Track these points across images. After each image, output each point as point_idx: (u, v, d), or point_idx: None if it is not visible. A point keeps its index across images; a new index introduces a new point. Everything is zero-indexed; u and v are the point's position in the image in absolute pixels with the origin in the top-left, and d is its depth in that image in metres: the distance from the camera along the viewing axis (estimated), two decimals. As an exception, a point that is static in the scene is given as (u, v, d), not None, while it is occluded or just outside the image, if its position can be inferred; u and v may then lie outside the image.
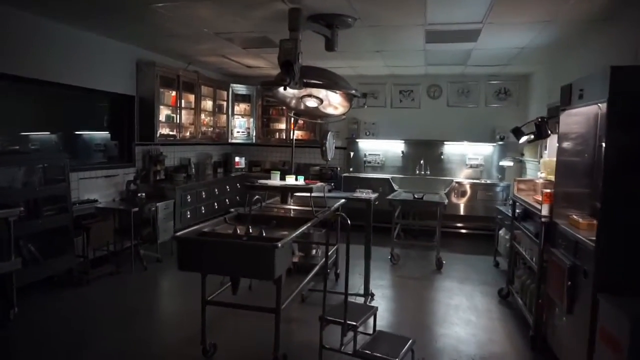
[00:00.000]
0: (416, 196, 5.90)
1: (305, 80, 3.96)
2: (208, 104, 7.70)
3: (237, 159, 8.72)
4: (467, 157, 7.98)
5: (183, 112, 6.89)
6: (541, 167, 4.53)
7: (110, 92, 5.86)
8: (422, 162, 8.05)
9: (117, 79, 5.92)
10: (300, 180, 4.39)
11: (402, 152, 8.24)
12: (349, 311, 3.02)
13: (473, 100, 8.00)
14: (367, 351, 3.00)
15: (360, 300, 4.47)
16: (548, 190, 3.46)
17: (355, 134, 8.40)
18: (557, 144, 3.39)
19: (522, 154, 7.59)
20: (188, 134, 7.10)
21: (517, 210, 4.59)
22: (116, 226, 5.47)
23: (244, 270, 2.90)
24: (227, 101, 8.35)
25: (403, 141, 8.19)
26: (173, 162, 7.20)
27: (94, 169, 5.66)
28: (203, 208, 7.08)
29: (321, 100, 4.55)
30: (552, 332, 3.40)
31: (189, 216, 6.68)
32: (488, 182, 7.60)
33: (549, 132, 3.56)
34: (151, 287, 5.05)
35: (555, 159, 4.36)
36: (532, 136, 3.67)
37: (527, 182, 4.60)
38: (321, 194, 4.19)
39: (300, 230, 3.27)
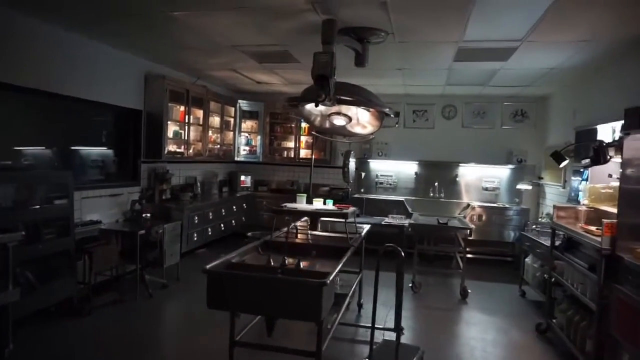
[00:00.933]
0: (441, 221, 5.58)
1: (338, 97, 3.66)
2: (215, 120, 7.38)
3: (242, 177, 8.36)
4: (483, 179, 7.72)
5: (191, 128, 6.54)
6: (585, 193, 4.25)
7: (115, 106, 5.50)
8: (436, 184, 7.77)
9: (124, 92, 5.58)
10: (330, 205, 4.05)
11: (416, 173, 7.97)
12: (391, 352, 2.66)
13: (489, 121, 7.79)
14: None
15: (389, 335, 4.11)
16: (609, 221, 3.17)
17: (367, 154, 8.12)
18: (621, 171, 3.11)
19: (541, 177, 7.36)
20: (195, 151, 6.74)
21: (558, 239, 4.31)
22: (120, 249, 5.05)
23: (285, 310, 2.53)
24: (235, 118, 8.03)
25: (416, 162, 7.92)
26: (179, 181, 6.82)
27: (97, 187, 5.26)
28: (210, 230, 6.68)
29: (350, 119, 4.26)
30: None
31: (195, 238, 6.28)
32: (506, 205, 7.32)
33: (608, 157, 3.28)
34: (159, 318, 4.62)
35: (600, 185, 4.15)
36: (589, 160, 3.39)
37: (567, 209, 4.32)
38: (352, 220, 3.85)
39: (342, 262, 2.92)
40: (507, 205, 7.33)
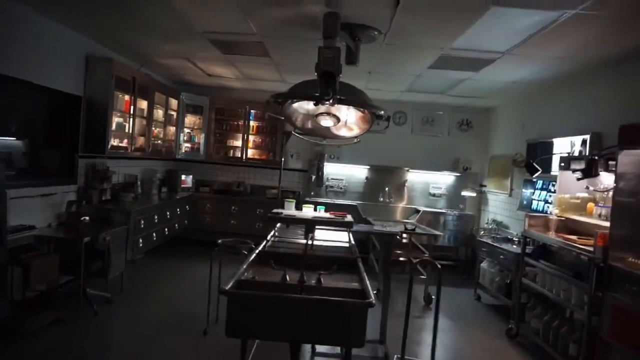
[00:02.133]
0: (408, 227, 5.56)
1: (339, 97, 3.40)
2: (159, 114, 6.67)
3: (183, 177, 7.67)
4: (431, 185, 7.93)
5: (136, 120, 5.81)
6: (555, 203, 4.47)
7: (49, 89, 4.63)
8: (387, 189, 7.82)
9: (61, 74, 4.75)
10: (322, 212, 3.77)
11: (366, 177, 7.95)
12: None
13: (437, 129, 8.03)
14: None
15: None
16: (602, 231, 3.32)
17: (320, 157, 7.90)
18: (615, 184, 3.28)
19: (483, 185, 7.75)
20: (138, 146, 6.00)
21: (529, 247, 4.49)
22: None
23: (325, 335, 2.21)
24: (177, 112, 7.35)
25: (367, 167, 7.90)
26: (118, 179, 6.02)
27: (26, 185, 4.39)
28: (155, 234, 5.99)
29: (338, 120, 4.02)
30: (608, 382, 3.22)
31: (141, 245, 5.58)
32: (452, 211, 7.58)
33: (599, 171, 3.45)
34: (109, 340, 3.96)
35: (568, 195, 4.38)
36: (581, 174, 3.54)
37: (538, 218, 4.51)
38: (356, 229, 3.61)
39: (364, 276, 2.68)
40: (453, 212, 7.58)
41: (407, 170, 7.90)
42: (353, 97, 3.64)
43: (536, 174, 4.40)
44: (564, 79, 5.13)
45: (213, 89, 7.79)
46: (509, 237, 5.85)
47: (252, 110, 7.85)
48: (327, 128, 4.21)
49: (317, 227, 3.51)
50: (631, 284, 3.04)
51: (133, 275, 5.36)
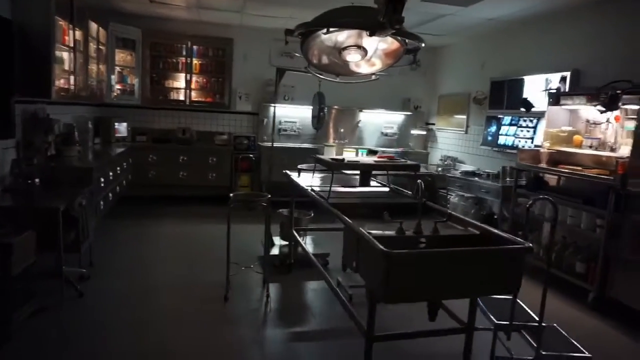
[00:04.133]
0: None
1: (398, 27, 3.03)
2: (92, 48, 5.43)
3: (116, 125, 6.54)
4: (383, 125, 7.95)
5: (69, 55, 4.64)
6: (544, 137, 4.76)
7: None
8: (341, 130, 7.63)
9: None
10: (364, 155, 3.47)
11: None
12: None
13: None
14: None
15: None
16: (622, 160, 3.63)
17: (272, 97, 7.32)
18: (637, 118, 3.56)
19: (431, 123, 8.01)
20: (77, 88, 4.85)
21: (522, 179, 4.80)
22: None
23: (484, 286, 2.07)
24: (106, 46, 6.08)
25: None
26: (58, 130, 4.85)
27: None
28: (110, 195, 5.07)
29: (366, 53, 3.65)
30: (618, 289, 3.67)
31: (102, 207, 4.69)
32: (406, 150, 7.72)
33: (619, 105, 3.71)
34: (112, 324, 3.31)
35: (555, 129, 4.71)
36: (603, 108, 3.75)
37: (529, 152, 4.79)
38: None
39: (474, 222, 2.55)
40: (407, 150, 7.75)
41: (360, 111, 7.78)
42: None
43: (533, 109, 4.62)
44: (546, 16, 5.30)
45: (146, 19, 6.59)
46: (475, 171, 6.17)
47: (194, 47, 6.86)
48: (347, 64, 3.84)
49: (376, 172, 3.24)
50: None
51: (96, 244, 4.53)
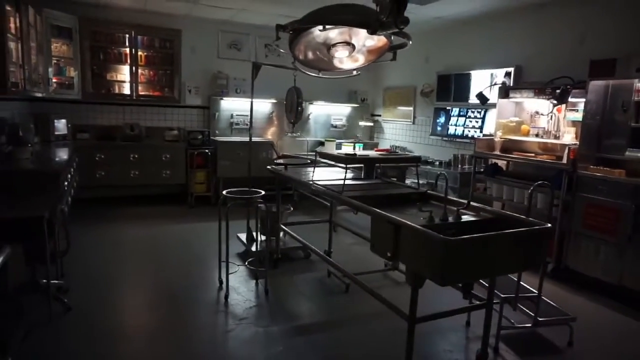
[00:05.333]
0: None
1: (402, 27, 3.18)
2: (31, 37, 4.89)
3: (56, 122, 5.95)
4: (332, 117, 8.13)
5: (15, 45, 4.16)
6: (496, 127, 5.25)
7: None
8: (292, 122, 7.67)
9: None
10: (361, 149, 3.60)
11: (271, 112, 7.63)
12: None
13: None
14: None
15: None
16: (573, 147, 4.17)
17: (225, 90, 7.14)
18: (583, 110, 4.11)
19: (377, 115, 8.36)
20: (19, 81, 4.36)
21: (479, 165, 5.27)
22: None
23: (515, 264, 2.33)
24: (43, 35, 5.49)
25: (272, 101, 7.53)
26: (2, 129, 4.33)
27: None
28: (69, 199, 4.65)
29: (354, 49, 3.77)
30: (576, 259, 4.24)
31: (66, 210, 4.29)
32: (355, 141, 7.99)
33: (568, 98, 4.23)
34: (116, 339, 3.13)
35: (505, 120, 5.23)
36: (555, 101, 4.25)
37: (484, 141, 5.26)
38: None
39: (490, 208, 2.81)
40: (356, 142, 8.01)
41: (310, 103, 7.88)
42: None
43: (488, 102, 5.08)
44: (489, 16, 5.80)
45: (81, 5, 6.04)
46: (428, 160, 6.60)
47: (138, 37, 6.44)
48: (331, 60, 3.94)
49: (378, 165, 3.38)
50: (602, 185, 3.98)
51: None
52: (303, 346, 2.97)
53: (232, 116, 7.34)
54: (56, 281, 3.55)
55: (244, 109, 7.39)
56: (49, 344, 2.86)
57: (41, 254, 3.01)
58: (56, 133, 5.97)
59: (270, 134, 7.68)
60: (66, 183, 4.24)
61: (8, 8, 3.83)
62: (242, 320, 3.28)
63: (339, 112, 8.17)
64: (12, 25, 4.00)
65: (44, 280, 3.38)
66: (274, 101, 7.48)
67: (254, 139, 7.25)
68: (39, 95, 5.28)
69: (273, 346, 2.95)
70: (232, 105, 7.31)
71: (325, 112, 8.05)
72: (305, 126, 7.90)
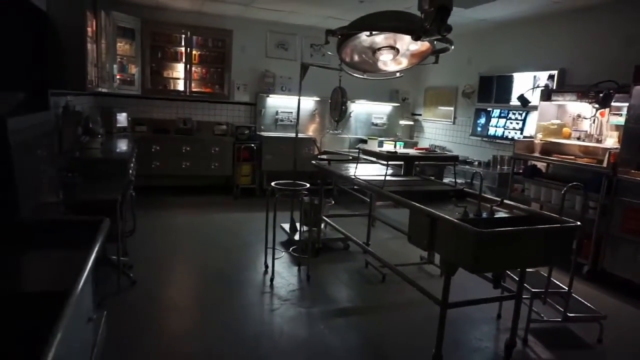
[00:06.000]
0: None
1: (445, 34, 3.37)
2: (103, 38, 5.39)
3: (118, 115, 6.50)
4: (373, 115, 8.33)
5: (91, 46, 4.63)
6: (537, 129, 5.31)
7: None
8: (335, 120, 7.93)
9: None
10: (402, 147, 3.83)
11: (314, 110, 7.92)
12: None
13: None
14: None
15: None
16: (614, 151, 4.21)
17: (271, 88, 7.50)
18: (626, 114, 4.14)
19: (417, 114, 8.49)
20: (95, 79, 4.84)
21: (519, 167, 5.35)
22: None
23: (542, 258, 2.51)
24: (109, 36, 6.01)
25: (315, 99, 7.82)
26: (77, 122, 4.83)
27: None
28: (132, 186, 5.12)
29: (398, 52, 3.98)
30: (613, 262, 4.28)
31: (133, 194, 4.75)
32: (395, 140, 8.17)
33: (611, 102, 4.27)
34: (181, 309, 3.51)
35: (547, 122, 5.27)
36: (598, 105, 4.31)
37: (524, 142, 5.33)
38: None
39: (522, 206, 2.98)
40: (397, 140, 8.17)
41: (352, 102, 8.10)
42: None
43: (529, 104, 5.15)
44: (534, 19, 5.84)
45: (143, 8, 6.54)
46: (467, 160, 6.69)
47: (193, 37, 6.89)
48: (376, 62, 4.16)
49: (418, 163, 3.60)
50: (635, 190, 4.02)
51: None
52: (343, 327, 3.24)
53: (277, 113, 7.69)
54: (123, 258, 3.98)
55: (289, 106, 7.73)
56: (122, 312, 3.26)
57: (113, 233, 3.42)
58: (118, 125, 6.51)
59: (312, 131, 7.96)
60: (130, 171, 4.69)
61: (88, 14, 4.29)
62: (286, 301, 3.59)
63: (380, 110, 8.36)
64: (89, 28, 4.47)
65: (114, 257, 3.82)
66: (317, 99, 7.76)
67: (290, 134, 7.59)
68: (105, 90, 5.81)
69: (315, 325, 3.24)
70: (278, 102, 7.66)
71: (366, 110, 8.26)
72: (346, 124, 8.13)
